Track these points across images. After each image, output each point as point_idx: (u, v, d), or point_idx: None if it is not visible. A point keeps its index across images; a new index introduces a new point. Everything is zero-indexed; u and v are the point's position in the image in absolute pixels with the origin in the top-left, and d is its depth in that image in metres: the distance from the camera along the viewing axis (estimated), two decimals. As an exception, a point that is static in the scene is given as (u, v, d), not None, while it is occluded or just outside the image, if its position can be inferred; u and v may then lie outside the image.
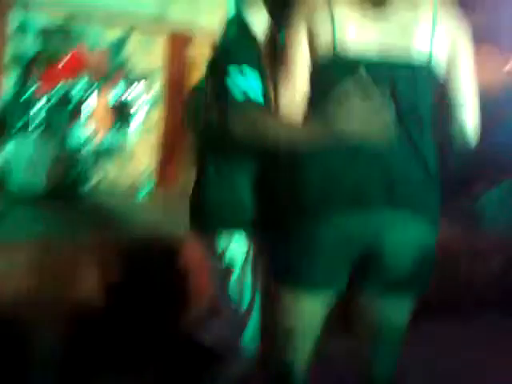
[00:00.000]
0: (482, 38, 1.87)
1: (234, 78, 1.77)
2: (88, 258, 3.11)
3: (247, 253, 2.03)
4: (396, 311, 1.84)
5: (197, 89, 5.41)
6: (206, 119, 2.02)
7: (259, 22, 1.93)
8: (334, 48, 1.70)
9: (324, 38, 1.70)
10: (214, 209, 2.03)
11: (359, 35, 1.71)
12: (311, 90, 1.73)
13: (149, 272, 3.16)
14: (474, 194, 4.42)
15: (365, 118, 1.61)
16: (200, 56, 5.48)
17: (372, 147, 1.65)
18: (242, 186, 1.98)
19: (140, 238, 3.37)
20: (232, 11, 1.98)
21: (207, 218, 2.07)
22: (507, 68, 5.33)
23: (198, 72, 5.49)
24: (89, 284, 3.04)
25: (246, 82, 1.77)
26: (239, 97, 1.75)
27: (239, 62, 1.78)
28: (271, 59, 1.81)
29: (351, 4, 1.72)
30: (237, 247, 2.03)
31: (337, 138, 1.63)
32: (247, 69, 1.78)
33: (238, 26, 1.89)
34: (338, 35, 1.69)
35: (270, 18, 1.93)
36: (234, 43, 1.85)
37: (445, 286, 2.36)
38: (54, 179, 4.24)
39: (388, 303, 1.81)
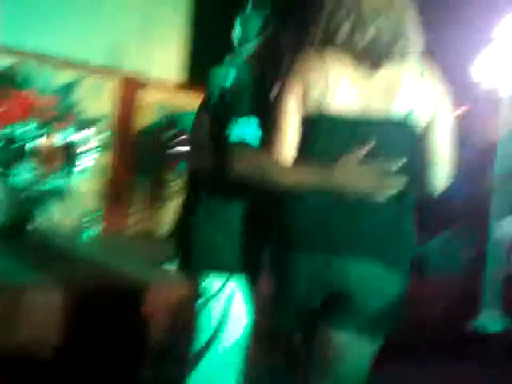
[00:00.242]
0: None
1: (239, 125, 1.91)
2: (33, 298, 3.05)
3: (221, 288, 2.06)
4: (357, 354, 1.86)
5: (144, 133, 5.48)
6: (197, 159, 2.14)
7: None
8: (324, 108, 1.81)
9: (316, 98, 1.81)
10: (202, 247, 2.08)
11: (348, 96, 1.81)
12: (301, 141, 1.84)
13: (96, 313, 3.12)
14: (420, 241, 4.54)
15: (366, 180, 1.75)
16: (150, 102, 5.55)
17: (356, 200, 1.77)
18: (230, 224, 2.04)
19: (86, 279, 3.34)
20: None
21: (195, 257, 2.11)
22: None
23: (147, 117, 5.56)
24: (33, 324, 2.98)
25: (249, 129, 1.91)
26: (243, 141, 1.89)
27: (244, 112, 1.92)
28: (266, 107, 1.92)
29: (346, 66, 1.83)
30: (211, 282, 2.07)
31: (333, 190, 1.77)
32: (250, 117, 1.92)
33: (240, 74, 2.01)
34: (329, 98, 1.80)
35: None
36: (239, 93, 1.96)
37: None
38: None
39: (350, 345, 1.85)
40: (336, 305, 1.83)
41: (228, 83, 2.01)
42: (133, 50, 5.45)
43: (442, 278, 4.46)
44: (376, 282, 1.80)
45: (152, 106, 5.49)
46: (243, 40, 2.18)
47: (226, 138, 1.90)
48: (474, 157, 4.93)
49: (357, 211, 1.78)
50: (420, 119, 1.83)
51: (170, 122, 5.24)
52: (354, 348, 1.84)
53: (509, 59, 4.61)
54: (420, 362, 3.59)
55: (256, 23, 2.15)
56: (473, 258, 4.68)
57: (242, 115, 1.92)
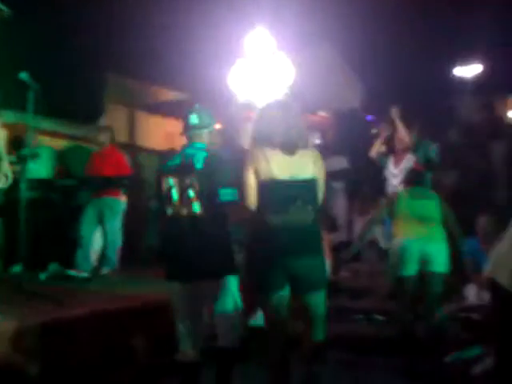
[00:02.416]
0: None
1: (224, 190, 3.75)
2: None
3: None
4: (316, 303, 3.74)
5: None
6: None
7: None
8: (269, 177, 3.63)
9: (263, 173, 3.65)
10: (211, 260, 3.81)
11: (281, 169, 3.65)
12: (260, 196, 3.66)
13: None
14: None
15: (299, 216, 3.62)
16: None
17: (296, 226, 3.63)
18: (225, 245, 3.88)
19: None
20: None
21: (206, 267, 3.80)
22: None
23: None
24: None
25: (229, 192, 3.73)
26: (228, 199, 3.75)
27: (224, 184, 3.80)
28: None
29: (277, 154, 3.66)
30: None
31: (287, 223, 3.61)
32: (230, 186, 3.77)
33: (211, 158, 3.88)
34: (270, 171, 3.64)
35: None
36: (217, 171, 3.85)
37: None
38: None
39: (310, 298, 3.71)
40: (294, 280, 3.64)
41: (201, 161, 3.76)
42: None
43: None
44: (311, 265, 3.64)
45: None
46: (198, 127, 3.81)
47: (217, 197, 3.72)
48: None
49: (298, 231, 3.61)
50: (315, 179, 3.72)
51: None
52: (312, 301, 3.71)
53: (257, 72, 4.92)
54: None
55: (208, 116, 3.84)
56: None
57: (224, 186, 3.72)
